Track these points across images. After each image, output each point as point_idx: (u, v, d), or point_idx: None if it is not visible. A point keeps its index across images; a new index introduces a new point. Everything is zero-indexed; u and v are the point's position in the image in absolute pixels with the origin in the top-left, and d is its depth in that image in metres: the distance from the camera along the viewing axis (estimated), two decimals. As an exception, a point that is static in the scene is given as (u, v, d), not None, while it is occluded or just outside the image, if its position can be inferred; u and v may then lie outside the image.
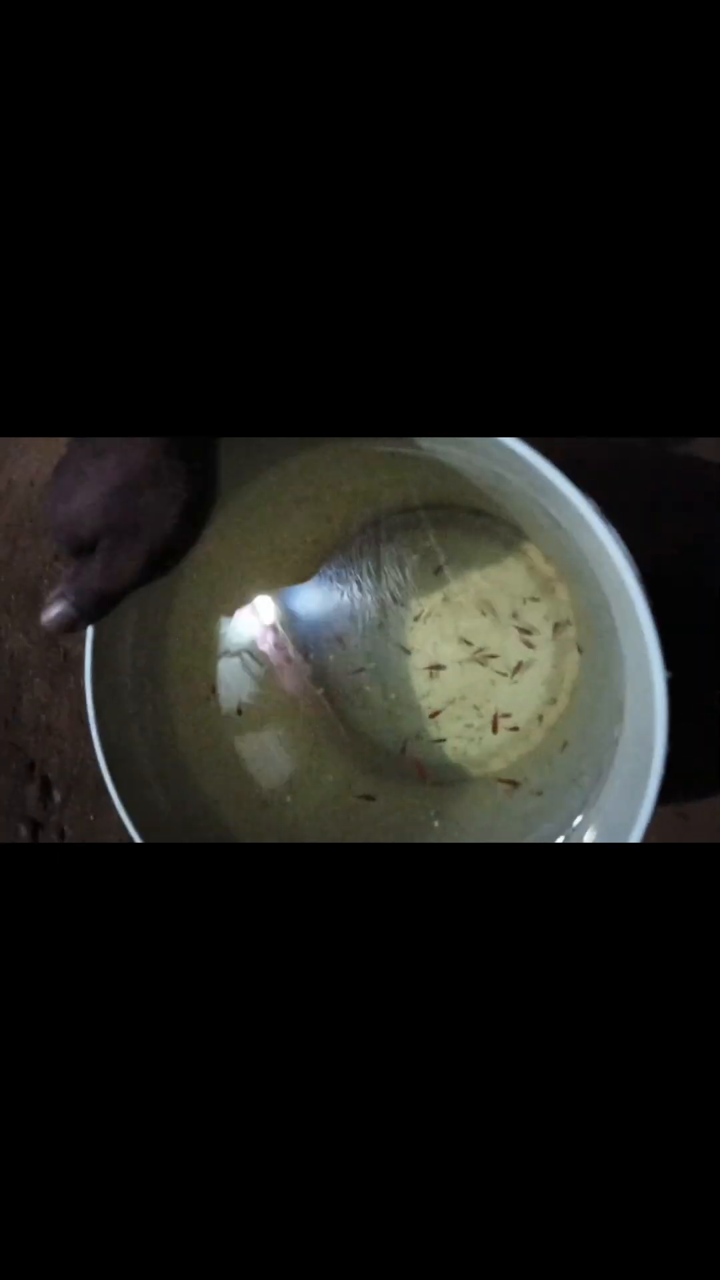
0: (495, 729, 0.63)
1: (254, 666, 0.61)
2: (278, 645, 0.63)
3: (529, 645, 0.63)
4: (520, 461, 0.35)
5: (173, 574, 0.51)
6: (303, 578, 0.64)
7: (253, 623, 0.61)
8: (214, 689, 0.58)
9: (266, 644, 0.63)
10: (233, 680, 0.60)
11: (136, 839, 0.47)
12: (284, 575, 0.63)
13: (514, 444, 0.35)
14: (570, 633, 0.62)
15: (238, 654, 0.60)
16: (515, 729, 0.63)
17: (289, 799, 0.58)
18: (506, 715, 0.63)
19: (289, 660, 0.64)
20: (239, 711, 0.59)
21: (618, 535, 0.35)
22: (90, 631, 0.46)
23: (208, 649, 0.56)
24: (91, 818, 0.86)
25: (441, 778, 0.65)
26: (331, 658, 0.64)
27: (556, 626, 0.62)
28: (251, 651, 0.61)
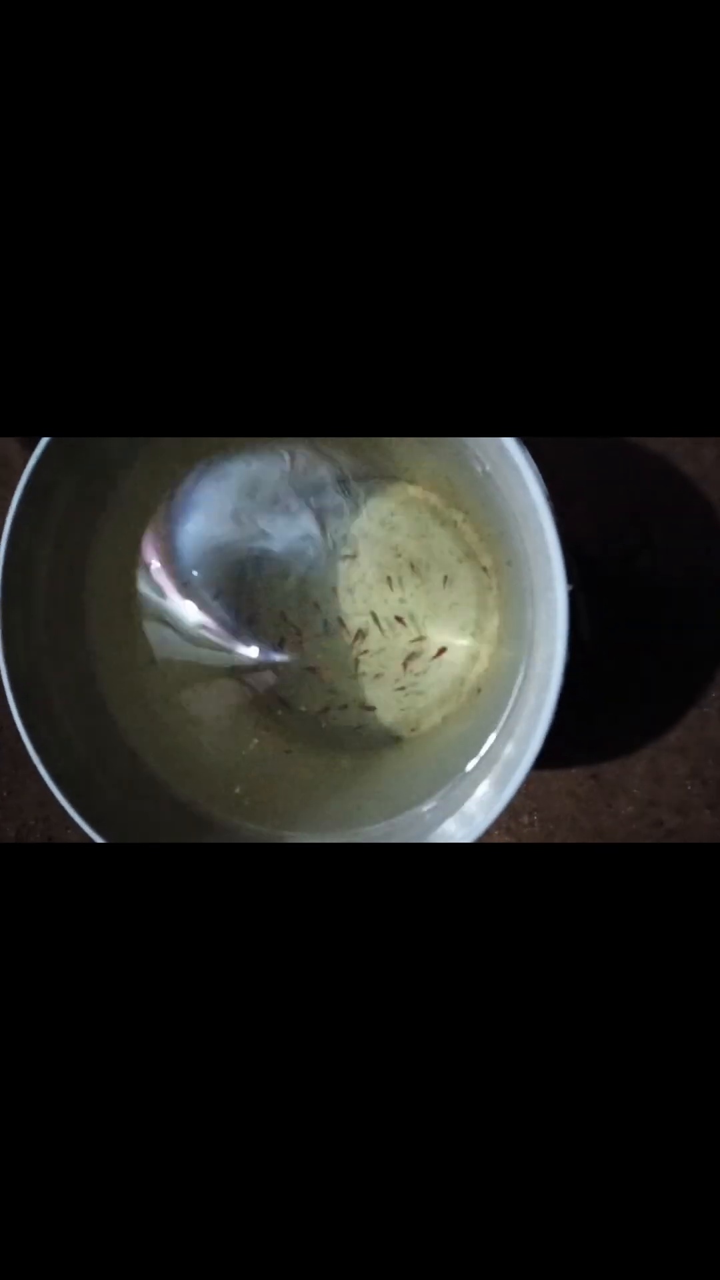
0: (438, 655, 0.63)
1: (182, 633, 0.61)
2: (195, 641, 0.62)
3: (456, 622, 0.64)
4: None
5: (94, 500, 0.50)
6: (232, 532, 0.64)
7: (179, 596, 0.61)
8: (139, 632, 0.57)
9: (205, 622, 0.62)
10: (156, 634, 0.59)
11: (48, 779, 0.46)
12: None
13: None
14: (492, 598, 0.64)
15: (165, 620, 0.59)
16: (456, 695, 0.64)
17: (207, 744, 0.57)
18: (444, 649, 0.63)
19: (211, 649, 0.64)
20: (155, 662, 0.58)
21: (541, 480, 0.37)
22: (1, 555, 0.44)
23: (130, 592, 0.55)
24: (6, 794, 0.83)
25: (372, 743, 0.65)
26: (260, 632, 0.65)
27: (483, 587, 0.64)
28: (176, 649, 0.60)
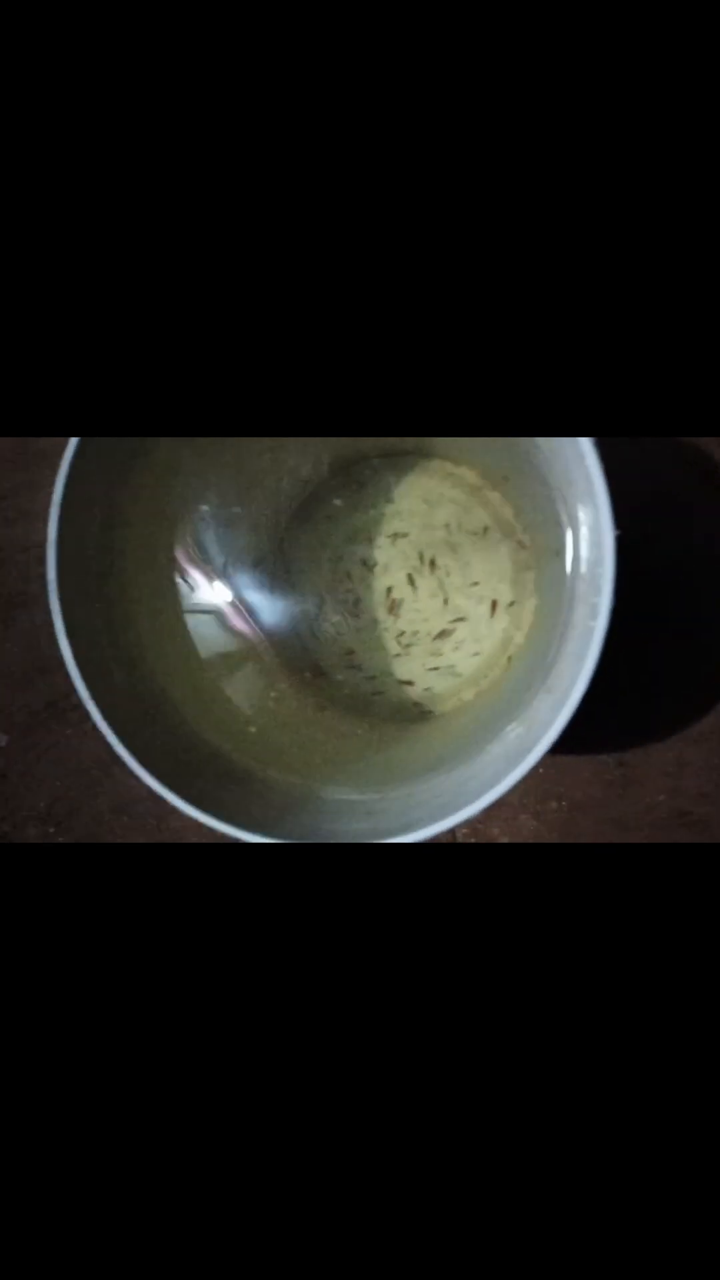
0: (493, 612, 0.64)
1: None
2: (235, 609, 0.64)
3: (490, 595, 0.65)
4: None
5: (139, 460, 0.52)
6: (272, 501, 0.66)
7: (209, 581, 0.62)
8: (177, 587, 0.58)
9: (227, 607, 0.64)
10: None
11: (96, 715, 0.47)
12: (254, 491, 0.64)
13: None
14: (530, 578, 0.65)
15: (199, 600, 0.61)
16: (476, 655, 0.65)
17: (241, 710, 0.58)
18: (512, 603, 0.64)
19: (244, 610, 0.65)
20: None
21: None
22: (57, 497, 0.46)
23: (170, 545, 0.57)
24: (37, 763, 0.84)
25: (406, 716, 0.66)
26: (293, 601, 0.66)
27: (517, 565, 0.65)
28: (209, 608, 0.61)
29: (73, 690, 0.82)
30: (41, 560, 0.83)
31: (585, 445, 0.38)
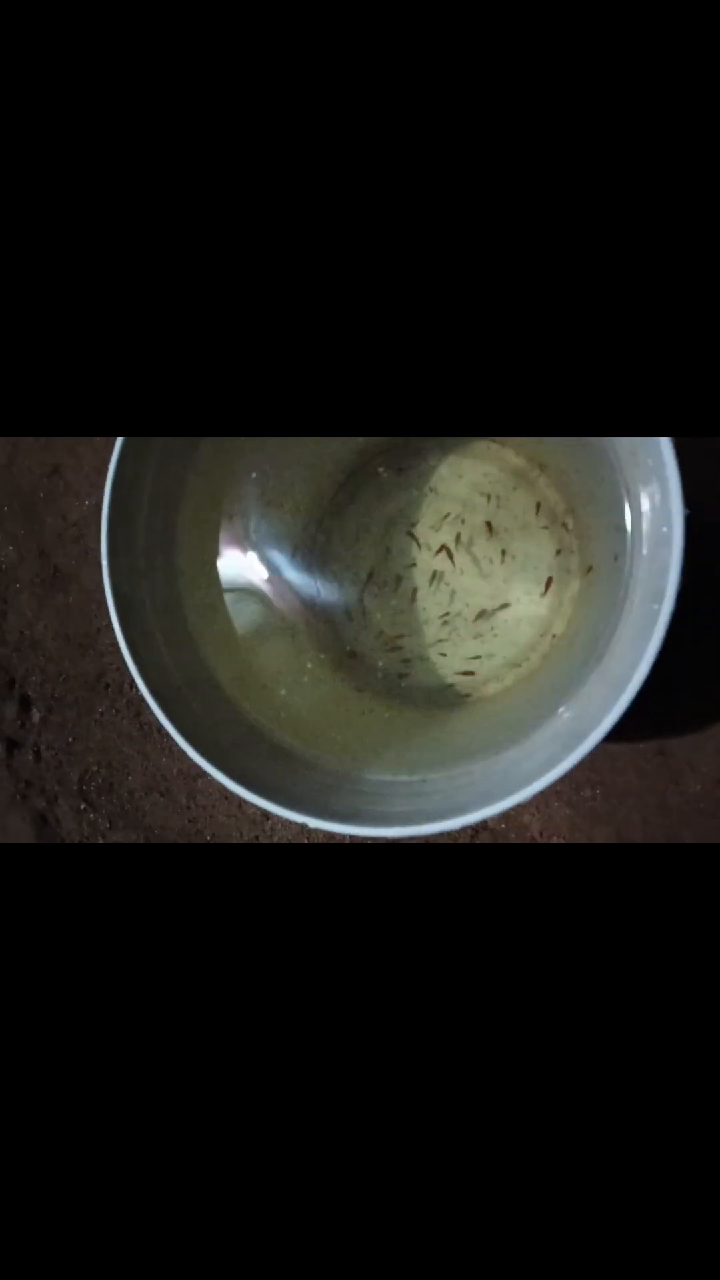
0: (546, 589, 0.64)
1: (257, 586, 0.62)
2: (272, 580, 0.63)
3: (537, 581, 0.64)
4: None
5: (190, 443, 0.51)
6: (316, 479, 0.65)
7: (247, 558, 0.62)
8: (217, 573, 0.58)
9: (264, 578, 0.63)
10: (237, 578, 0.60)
11: (145, 692, 0.47)
12: (299, 470, 0.63)
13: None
14: (574, 562, 0.64)
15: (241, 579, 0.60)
16: (518, 665, 0.64)
17: (281, 690, 0.58)
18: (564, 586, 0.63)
19: (285, 589, 0.65)
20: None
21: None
22: (111, 473, 0.46)
23: (216, 523, 0.57)
24: (71, 740, 0.84)
25: (444, 698, 0.65)
26: (334, 582, 0.66)
27: (559, 553, 0.64)
28: (251, 587, 0.61)
29: (107, 669, 0.84)
30: (79, 539, 0.83)
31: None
